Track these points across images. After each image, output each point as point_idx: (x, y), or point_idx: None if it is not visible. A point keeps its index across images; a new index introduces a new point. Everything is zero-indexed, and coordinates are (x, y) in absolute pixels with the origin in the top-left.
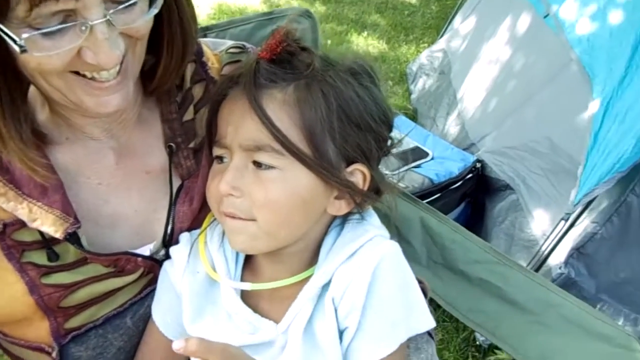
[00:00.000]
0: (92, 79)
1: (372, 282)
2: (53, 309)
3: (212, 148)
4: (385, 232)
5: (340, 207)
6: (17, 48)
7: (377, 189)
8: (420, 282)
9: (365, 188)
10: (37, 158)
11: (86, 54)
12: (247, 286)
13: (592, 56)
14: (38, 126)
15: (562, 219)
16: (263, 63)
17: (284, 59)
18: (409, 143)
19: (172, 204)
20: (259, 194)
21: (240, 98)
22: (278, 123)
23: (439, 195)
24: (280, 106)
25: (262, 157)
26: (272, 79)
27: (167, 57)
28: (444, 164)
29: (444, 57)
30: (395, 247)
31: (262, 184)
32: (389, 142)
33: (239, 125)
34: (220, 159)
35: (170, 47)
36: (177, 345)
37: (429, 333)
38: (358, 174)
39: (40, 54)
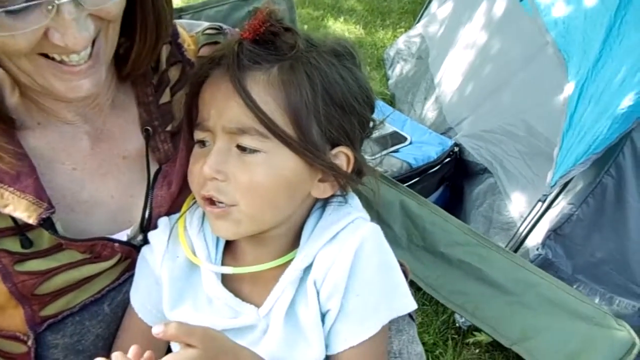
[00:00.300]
0: (62, 62)
1: (354, 265)
2: (27, 296)
3: (192, 132)
4: (366, 215)
5: (325, 189)
6: None
7: (359, 171)
8: (401, 264)
9: (349, 170)
10: (2, 144)
11: (53, 35)
12: (229, 270)
13: (567, 39)
14: (7, 111)
15: (539, 200)
16: (246, 44)
17: (267, 39)
18: (387, 128)
19: (150, 188)
20: (243, 177)
21: (223, 80)
22: (263, 106)
23: (418, 179)
24: (264, 88)
25: (246, 141)
26: (256, 60)
27: (141, 40)
28: (422, 148)
29: (422, 42)
30: (376, 230)
31: (247, 167)
32: (371, 124)
33: (222, 108)
34: (202, 142)
35: (144, 29)
36: (157, 330)
37: (410, 315)
38: (342, 157)
39: (4, 33)
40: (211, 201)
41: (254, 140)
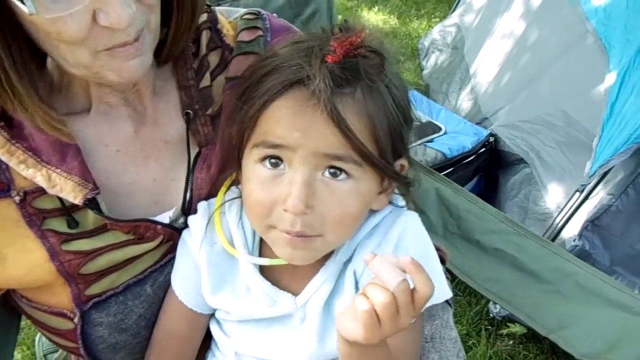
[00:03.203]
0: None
1: (395, 254)
2: (73, 275)
3: (245, 143)
4: (403, 204)
5: (383, 201)
6: (24, 8)
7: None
8: (438, 249)
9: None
10: (58, 117)
11: (99, 16)
12: (266, 262)
13: (609, 27)
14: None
15: (577, 190)
16: (333, 67)
17: (352, 61)
18: (422, 118)
19: (190, 171)
20: (336, 210)
21: (309, 103)
22: (359, 135)
23: (452, 169)
24: (357, 116)
25: (341, 165)
26: (342, 83)
27: (176, 24)
28: (457, 138)
29: (457, 32)
30: (415, 218)
31: (338, 198)
32: None
33: (312, 132)
34: (274, 164)
35: (180, 13)
36: (407, 260)
37: (446, 300)
38: (398, 165)
39: (50, 16)
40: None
41: (347, 166)
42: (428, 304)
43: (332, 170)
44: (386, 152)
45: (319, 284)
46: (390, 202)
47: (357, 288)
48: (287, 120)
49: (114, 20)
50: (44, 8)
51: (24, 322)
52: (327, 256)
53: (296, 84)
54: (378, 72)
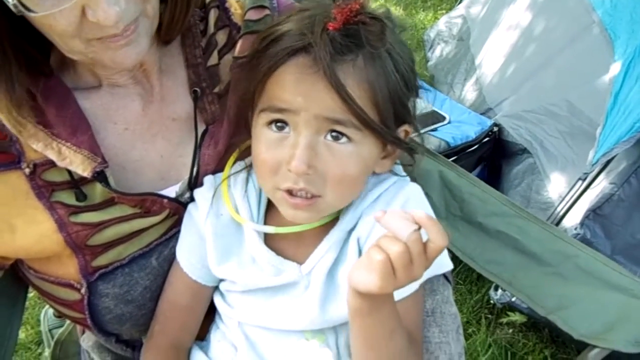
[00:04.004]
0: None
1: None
2: (81, 246)
3: (252, 109)
4: (406, 176)
5: (385, 165)
6: (12, 8)
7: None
8: None
9: None
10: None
11: (88, 12)
12: (271, 229)
13: (615, 17)
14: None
15: (580, 178)
16: (334, 35)
17: (353, 28)
18: (426, 107)
19: (197, 147)
20: (336, 170)
21: (311, 69)
22: (358, 100)
23: (455, 158)
24: (356, 82)
25: (342, 129)
26: (343, 50)
27: (173, 2)
28: (461, 127)
29: (463, 24)
30: (418, 189)
31: (338, 160)
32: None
33: (314, 98)
34: (280, 127)
35: None
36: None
37: (445, 277)
38: (402, 132)
39: (43, 13)
40: (291, 192)
41: (348, 130)
42: (429, 275)
43: (333, 134)
44: (387, 118)
45: (324, 252)
46: (395, 174)
47: (360, 255)
48: (291, 86)
49: (101, 17)
50: (33, 4)
51: (28, 302)
52: (332, 225)
53: (299, 51)
54: (379, 38)
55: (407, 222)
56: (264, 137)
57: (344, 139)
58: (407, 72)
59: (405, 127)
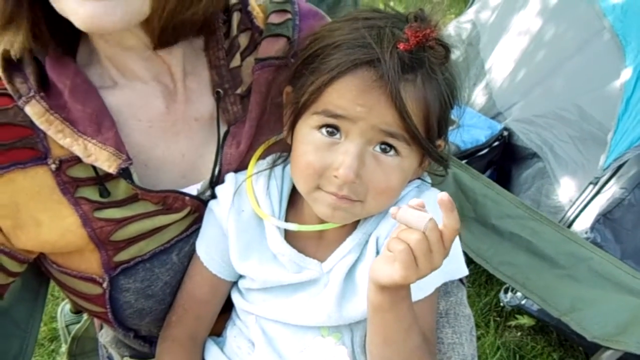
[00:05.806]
0: None
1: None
2: (104, 241)
3: (301, 112)
4: (428, 180)
5: (417, 173)
6: None
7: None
8: None
9: None
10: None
11: None
12: (294, 227)
13: (625, 23)
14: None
15: (591, 183)
16: (403, 54)
17: (420, 52)
18: None
19: (220, 147)
20: (380, 182)
21: (375, 83)
22: (414, 118)
23: (466, 162)
24: (414, 100)
25: (393, 142)
26: (407, 70)
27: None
28: (471, 131)
29: (473, 29)
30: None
31: (384, 171)
32: None
33: (374, 110)
34: (330, 132)
35: None
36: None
37: (460, 280)
38: (438, 145)
39: None
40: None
41: (398, 144)
42: (446, 279)
43: (383, 146)
44: (433, 134)
45: (346, 252)
46: (418, 177)
47: (378, 254)
48: (353, 95)
49: None
50: None
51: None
52: (354, 225)
53: (365, 64)
54: (441, 63)
55: (420, 214)
56: (312, 139)
57: (392, 152)
58: (456, 92)
59: (440, 140)
